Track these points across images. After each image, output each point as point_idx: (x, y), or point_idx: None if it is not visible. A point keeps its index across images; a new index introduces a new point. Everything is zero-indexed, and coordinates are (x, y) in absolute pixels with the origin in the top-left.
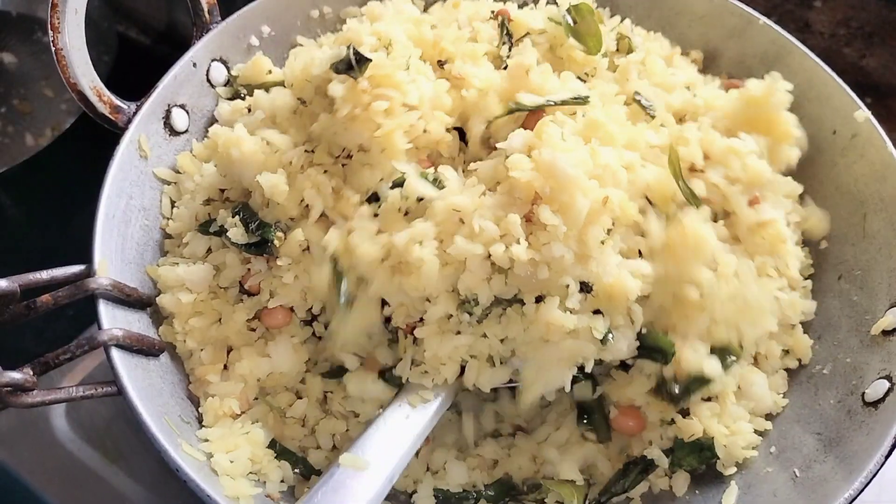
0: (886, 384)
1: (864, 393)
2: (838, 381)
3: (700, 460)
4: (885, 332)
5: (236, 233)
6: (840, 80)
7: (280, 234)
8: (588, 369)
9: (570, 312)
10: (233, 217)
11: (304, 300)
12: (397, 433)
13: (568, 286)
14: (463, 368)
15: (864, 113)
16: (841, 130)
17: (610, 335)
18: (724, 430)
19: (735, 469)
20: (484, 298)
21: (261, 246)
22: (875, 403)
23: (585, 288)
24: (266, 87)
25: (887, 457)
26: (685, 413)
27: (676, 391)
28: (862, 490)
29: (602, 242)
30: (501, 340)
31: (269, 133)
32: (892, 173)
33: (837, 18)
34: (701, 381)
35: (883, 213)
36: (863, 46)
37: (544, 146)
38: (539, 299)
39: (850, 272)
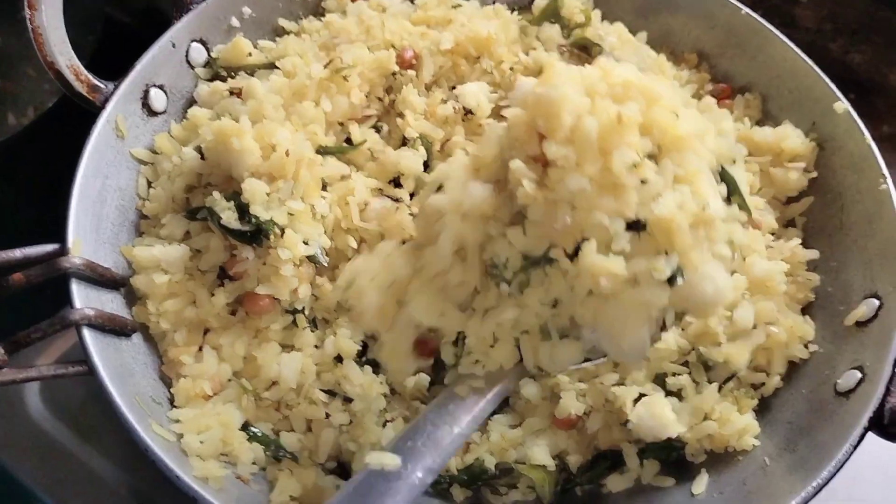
0: (858, 375)
1: (836, 383)
2: (812, 372)
3: (667, 454)
4: (859, 323)
5: (230, 217)
6: (820, 72)
7: (276, 230)
8: (669, 325)
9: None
10: (227, 201)
11: (295, 295)
12: (441, 430)
13: (606, 225)
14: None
15: (843, 104)
16: (820, 121)
17: (679, 276)
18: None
19: (705, 457)
20: (513, 259)
21: (254, 235)
22: (846, 393)
23: (635, 226)
24: (249, 70)
25: (856, 446)
26: None
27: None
28: (830, 479)
29: (635, 166)
30: (553, 306)
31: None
32: (871, 165)
33: (823, 14)
34: None
35: (860, 204)
36: (847, 42)
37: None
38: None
39: (826, 263)
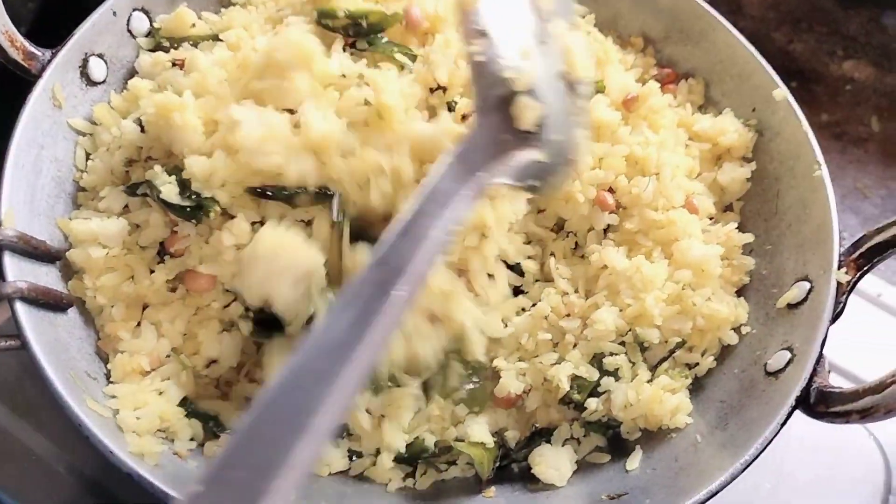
0: (788, 355)
1: (766, 363)
2: (744, 352)
3: (604, 431)
4: (790, 305)
5: (170, 191)
6: (761, 58)
7: (217, 208)
8: None
9: None
10: (169, 176)
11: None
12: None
13: None
14: None
15: (782, 91)
16: (760, 108)
17: None
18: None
19: (639, 434)
20: None
21: (194, 211)
22: (776, 373)
23: None
24: (192, 42)
25: (783, 424)
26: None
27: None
28: (757, 455)
29: None
30: None
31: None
32: (806, 151)
33: (768, 2)
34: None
35: (795, 189)
36: (791, 31)
37: None
38: None
39: (761, 247)
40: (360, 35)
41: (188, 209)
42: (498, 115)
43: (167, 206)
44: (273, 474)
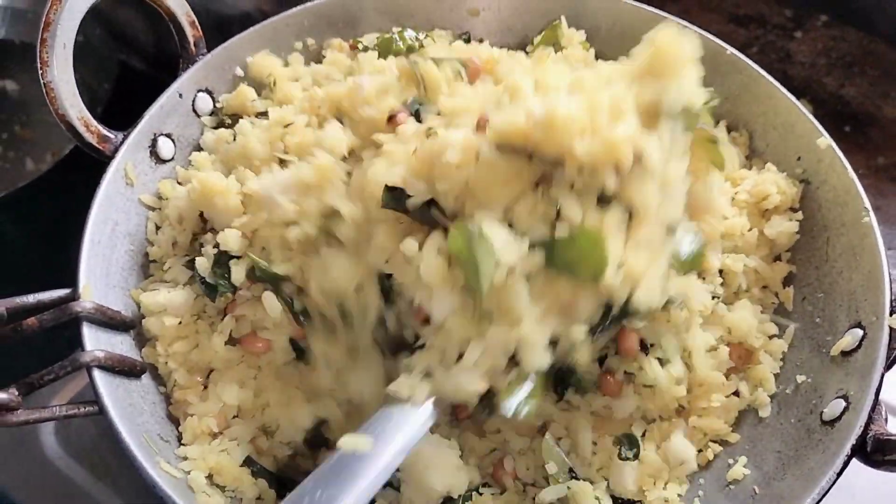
0: (843, 403)
1: (822, 412)
2: (800, 401)
3: None
4: (844, 353)
5: (202, 264)
6: (803, 108)
7: (229, 294)
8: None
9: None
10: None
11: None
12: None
13: None
14: None
15: (826, 140)
16: (805, 157)
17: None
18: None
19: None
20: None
21: (211, 290)
22: (832, 422)
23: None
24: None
25: (839, 473)
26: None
27: None
28: None
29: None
30: None
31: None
32: (853, 199)
33: (818, 49)
34: None
35: (844, 237)
36: (842, 76)
37: None
38: None
39: (814, 294)
40: None
41: (206, 285)
42: None
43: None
44: None
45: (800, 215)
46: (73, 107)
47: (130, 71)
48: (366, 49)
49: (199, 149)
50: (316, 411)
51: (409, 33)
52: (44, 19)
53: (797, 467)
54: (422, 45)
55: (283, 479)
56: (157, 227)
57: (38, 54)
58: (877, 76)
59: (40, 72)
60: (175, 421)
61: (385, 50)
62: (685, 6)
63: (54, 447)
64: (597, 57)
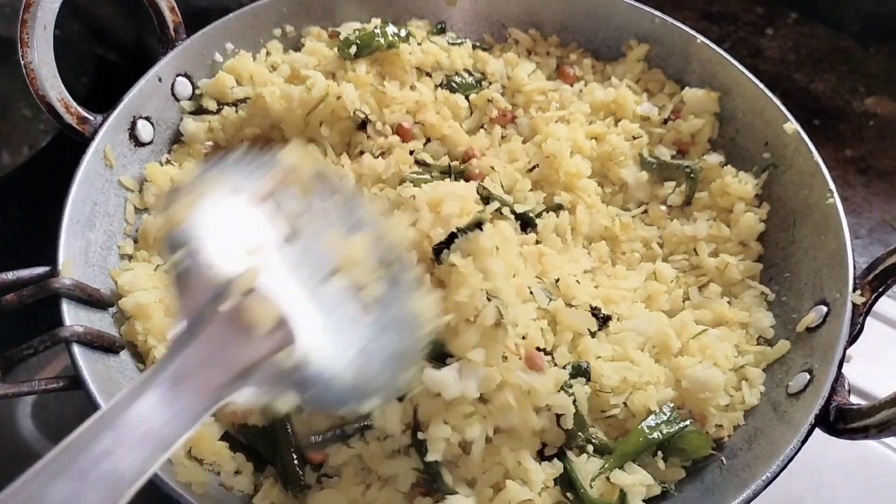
0: (807, 376)
1: (787, 385)
2: (769, 377)
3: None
4: (809, 329)
5: None
6: (771, 94)
7: None
8: None
9: None
10: None
11: None
12: None
13: None
14: None
15: (792, 125)
16: (772, 142)
17: None
18: None
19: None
20: None
21: None
22: (797, 394)
23: None
24: (232, 103)
25: (803, 442)
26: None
27: None
28: (779, 472)
29: None
30: None
31: None
32: (818, 181)
33: (788, 45)
34: None
35: (809, 218)
36: (812, 71)
37: None
38: None
39: (780, 275)
40: None
41: None
42: (225, 324)
43: None
44: None
45: (766, 208)
46: (53, 88)
47: (108, 65)
48: (347, 42)
49: (178, 133)
50: None
51: (391, 28)
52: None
53: (763, 437)
54: (403, 40)
55: (262, 453)
56: (136, 209)
57: (18, 35)
58: (845, 72)
59: (20, 52)
60: None
61: (366, 44)
62: (658, 3)
63: (31, 429)
64: (568, 42)
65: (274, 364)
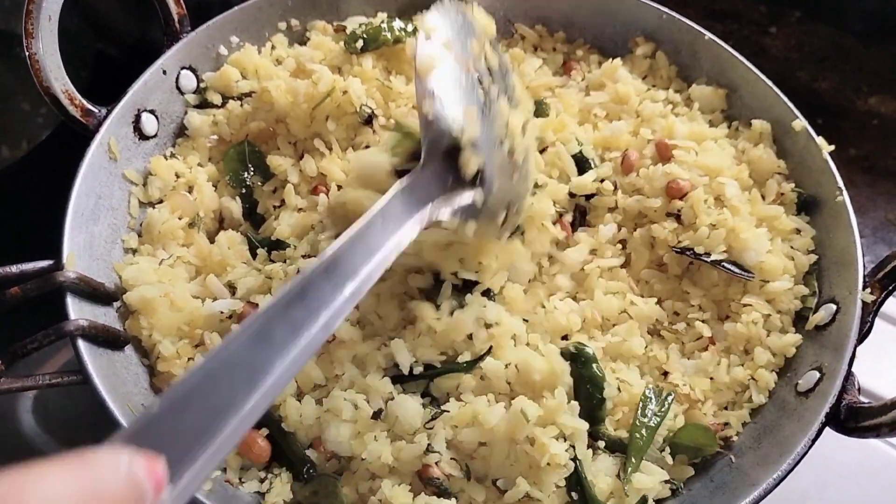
0: (817, 375)
1: (797, 383)
2: (777, 376)
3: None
4: (818, 327)
5: None
6: (779, 91)
7: None
8: None
9: None
10: None
11: None
12: None
13: None
14: None
15: (801, 122)
16: (780, 140)
17: None
18: None
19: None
20: None
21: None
22: (806, 393)
23: None
24: (237, 97)
25: (814, 440)
26: None
27: None
28: (790, 471)
29: None
30: None
31: None
32: (828, 178)
33: (791, 44)
34: None
35: (819, 216)
36: (815, 70)
37: None
38: None
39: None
40: None
41: None
42: (444, 162)
43: None
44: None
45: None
46: (58, 79)
47: (107, 59)
48: (353, 36)
49: (182, 126)
50: None
51: (397, 23)
52: None
53: (773, 436)
54: (409, 35)
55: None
56: (140, 203)
57: (23, 26)
58: (848, 71)
59: (25, 43)
60: (158, 392)
61: (373, 39)
62: (662, 0)
63: (31, 424)
64: (575, 38)
65: (468, 197)
